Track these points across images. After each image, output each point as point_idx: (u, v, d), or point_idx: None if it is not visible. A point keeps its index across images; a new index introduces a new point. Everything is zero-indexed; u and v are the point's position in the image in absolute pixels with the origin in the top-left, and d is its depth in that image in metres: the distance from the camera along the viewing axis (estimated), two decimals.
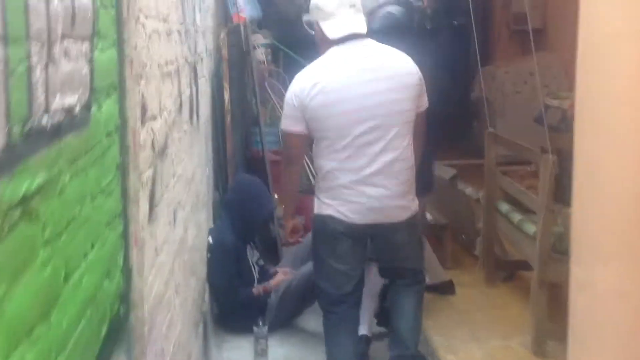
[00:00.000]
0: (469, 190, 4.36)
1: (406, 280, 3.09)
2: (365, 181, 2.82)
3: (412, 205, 2.96)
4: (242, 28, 5.08)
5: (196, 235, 3.11)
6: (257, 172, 5.43)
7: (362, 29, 2.90)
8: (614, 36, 1.32)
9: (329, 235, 2.93)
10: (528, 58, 7.89)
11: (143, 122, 1.75)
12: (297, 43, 7.12)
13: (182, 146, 2.63)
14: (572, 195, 1.40)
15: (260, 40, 6.30)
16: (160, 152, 2.08)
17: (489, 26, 8.53)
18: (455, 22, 5.85)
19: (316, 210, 2.96)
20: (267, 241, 4.52)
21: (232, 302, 3.75)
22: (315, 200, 2.97)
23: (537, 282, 3.24)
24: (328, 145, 2.84)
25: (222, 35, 4.21)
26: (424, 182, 3.29)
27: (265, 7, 7.49)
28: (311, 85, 2.81)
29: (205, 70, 3.90)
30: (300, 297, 3.75)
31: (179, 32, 2.56)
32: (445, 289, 4.00)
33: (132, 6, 1.61)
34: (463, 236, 4.63)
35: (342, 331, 3.01)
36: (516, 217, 3.70)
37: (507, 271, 4.15)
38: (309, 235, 3.42)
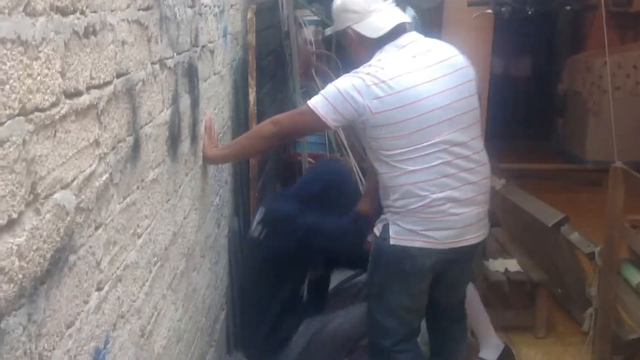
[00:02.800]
0: (576, 238, 3.16)
1: (455, 315, 2.78)
2: (456, 194, 2.41)
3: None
4: (282, 3, 3.98)
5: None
6: (293, 181, 4.41)
7: (406, 18, 2.57)
8: None
9: (411, 271, 2.48)
10: (632, 46, 6.58)
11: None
12: None
13: (141, 204, 1.60)
14: None
15: (307, 16, 5.20)
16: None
17: (582, 6, 7.20)
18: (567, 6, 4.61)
19: (394, 241, 2.46)
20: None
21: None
22: (392, 227, 2.47)
23: None
24: (406, 154, 2.39)
25: (249, 15, 3.12)
26: None
27: None
28: (378, 83, 2.37)
29: (221, 63, 2.83)
30: (340, 348, 2.89)
31: (137, 22, 1.50)
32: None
33: None
34: (559, 290, 3.49)
35: None
36: None
37: (625, 355, 3.00)
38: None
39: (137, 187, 1.54)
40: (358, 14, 2.53)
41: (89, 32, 1.18)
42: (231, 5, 3.08)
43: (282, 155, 4.55)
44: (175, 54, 1.91)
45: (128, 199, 1.47)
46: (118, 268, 1.43)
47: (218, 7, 2.71)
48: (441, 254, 2.45)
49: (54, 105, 1.03)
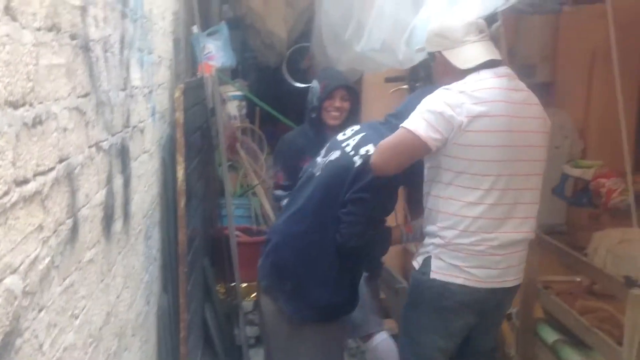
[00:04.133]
0: None
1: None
2: (506, 236, 2.41)
3: None
4: (207, 81, 4.10)
5: None
6: (220, 256, 4.44)
7: (498, 55, 2.55)
8: None
9: (451, 308, 2.46)
10: None
11: None
12: (278, 95, 6.20)
13: (79, 285, 1.62)
14: None
15: (231, 92, 5.33)
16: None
17: None
18: None
19: (435, 275, 2.44)
20: None
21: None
22: (435, 261, 2.44)
23: None
24: (469, 184, 2.37)
25: (177, 94, 3.21)
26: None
27: (242, 54, 6.58)
28: (472, 102, 2.35)
29: (150, 141, 2.89)
30: None
31: (76, 109, 1.56)
32: None
33: None
34: None
35: None
36: (567, 352, 2.71)
37: None
38: None
39: (75, 269, 1.58)
40: (451, 42, 2.51)
41: (36, 122, 1.24)
42: (159, 85, 3.17)
43: (209, 230, 4.58)
44: (109, 136, 1.97)
45: (67, 281, 1.50)
46: (58, 350, 1.45)
47: (147, 87, 2.79)
48: (481, 294, 2.42)
49: (5, 194, 1.08)
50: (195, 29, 4.53)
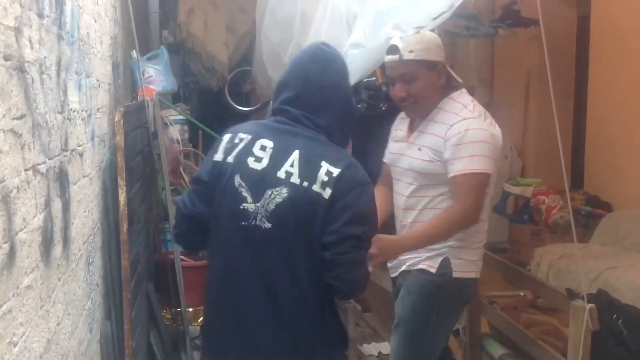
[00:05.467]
0: None
1: None
2: None
3: None
4: (148, 104, 4.06)
5: None
6: (165, 281, 4.37)
7: None
8: None
9: (467, 301, 2.85)
10: None
11: None
12: (221, 118, 6.18)
13: (17, 312, 1.57)
14: None
15: (172, 116, 5.30)
16: None
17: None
18: None
19: (457, 274, 2.68)
20: None
21: None
22: (454, 261, 2.68)
23: None
24: (488, 191, 2.72)
25: (117, 117, 3.17)
26: None
27: (183, 79, 6.54)
28: (495, 125, 2.74)
29: (90, 166, 2.84)
30: None
31: (11, 131, 1.53)
32: None
33: None
34: None
35: None
36: None
37: None
38: None
39: (13, 294, 1.53)
40: (443, 55, 2.76)
41: None
42: (98, 109, 3.12)
43: (153, 255, 4.51)
44: (47, 159, 1.93)
45: (4, 307, 1.46)
46: None
47: (86, 111, 2.75)
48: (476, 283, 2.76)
49: None
50: (134, 53, 4.50)
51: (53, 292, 2.01)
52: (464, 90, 2.81)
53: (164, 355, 3.98)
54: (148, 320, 4.00)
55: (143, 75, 4.79)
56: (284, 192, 2.09)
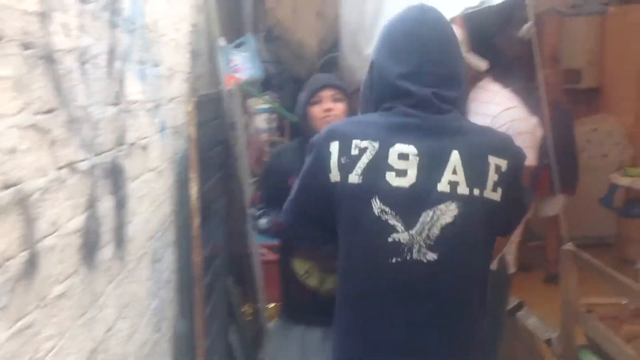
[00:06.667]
0: (533, 323, 3.04)
1: None
2: None
3: None
4: (226, 94, 3.93)
5: None
6: (250, 275, 4.26)
7: None
8: None
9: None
10: (584, 121, 6.66)
11: None
12: None
13: (42, 325, 1.44)
14: None
15: (258, 105, 5.18)
16: None
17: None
18: None
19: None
20: None
21: None
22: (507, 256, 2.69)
23: None
24: None
25: (189, 108, 3.04)
26: None
27: (276, 66, 6.43)
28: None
29: (159, 158, 2.72)
30: None
31: (33, 127, 1.39)
32: None
33: None
34: None
35: None
36: None
37: None
38: None
39: (36, 307, 1.40)
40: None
41: None
42: (171, 99, 3.01)
43: (235, 248, 4.40)
44: (91, 156, 1.79)
45: (21, 322, 1.32)
46: None
47: (153, 102, 2.63)
48: None
49: None
50: (221, 41, 4.40)
51: (100, 297, 1.88)
52: (488, 78, 2.62)
53: (243, 353, 3.87)
54: (227, 316, 3.89)
55: (230, 64, 4.70)
56: (451, 209, 1.64)
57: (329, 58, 5.87)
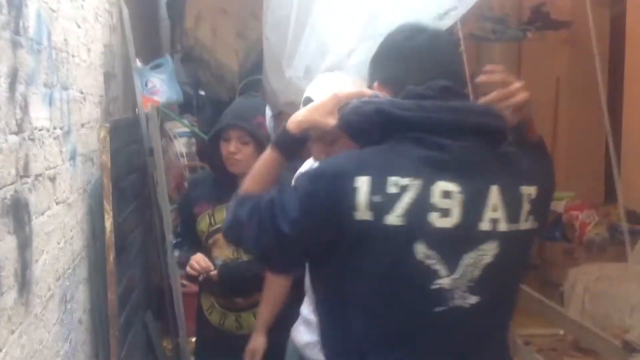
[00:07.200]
0: None
1: None
2: None
3: None
4: (142, 118, 3.73)
5: None
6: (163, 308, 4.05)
7: None
8: None
9: None
10: None
11: None
12: None
13: None
14: None
15: (179, 129, 5.00)
16: None
17: None
18: None
19: None
20: None
21: None
22: None
23: None
24: None
25: (102, 134, 2.84)
26: None
27: (195, 88, 6.25)
28: None
29: (69, 190, 2.51)
30: None
31: None
32: None
33: None
34: None
35: None
36: None
37: None
38: None
39: None
40: None
41: None
42: (82, 124, 2.80)
43: (153, 280, 4.17)
44: None
45: None
46: None
47: (61, 128, 2.42)
48: None
49: None
50: (137, 62, 4.21)
51: (1, 350, 1.67)
52: None
53: None
54: (145, 353, 3.67)
55: (146, 86, 4.52)
56: (493, 247, 1.53)
57: (250, 80, 5.74)
